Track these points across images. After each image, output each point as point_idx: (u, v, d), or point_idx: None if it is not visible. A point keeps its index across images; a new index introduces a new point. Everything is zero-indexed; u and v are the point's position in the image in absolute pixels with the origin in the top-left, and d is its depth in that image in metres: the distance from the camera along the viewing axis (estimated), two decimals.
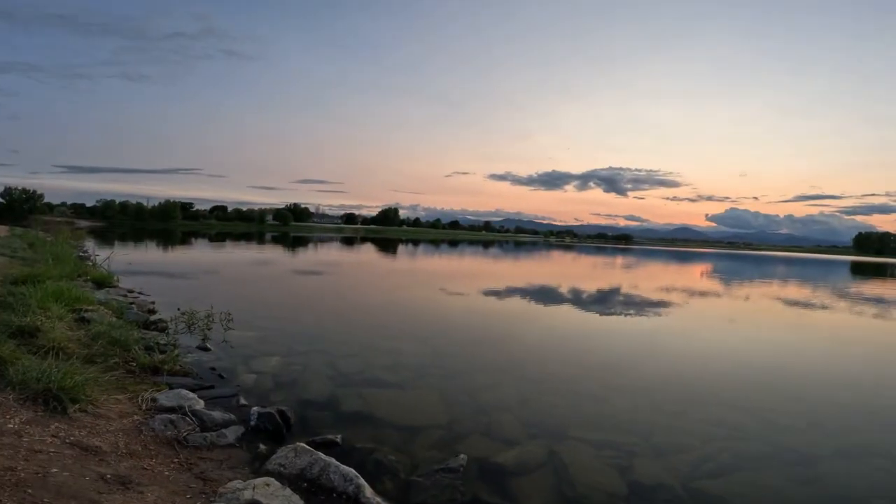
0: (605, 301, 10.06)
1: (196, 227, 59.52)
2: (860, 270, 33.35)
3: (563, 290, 11.87)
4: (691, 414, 3.66)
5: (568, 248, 59.18)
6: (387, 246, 33.25)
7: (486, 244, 51.91)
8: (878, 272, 31.86)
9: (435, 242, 46.24)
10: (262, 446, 2.55)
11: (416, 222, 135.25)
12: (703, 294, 12.64)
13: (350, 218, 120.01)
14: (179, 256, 16.83)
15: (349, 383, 3.94)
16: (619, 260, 32.18)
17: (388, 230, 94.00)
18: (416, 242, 43.33)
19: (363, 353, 4.84)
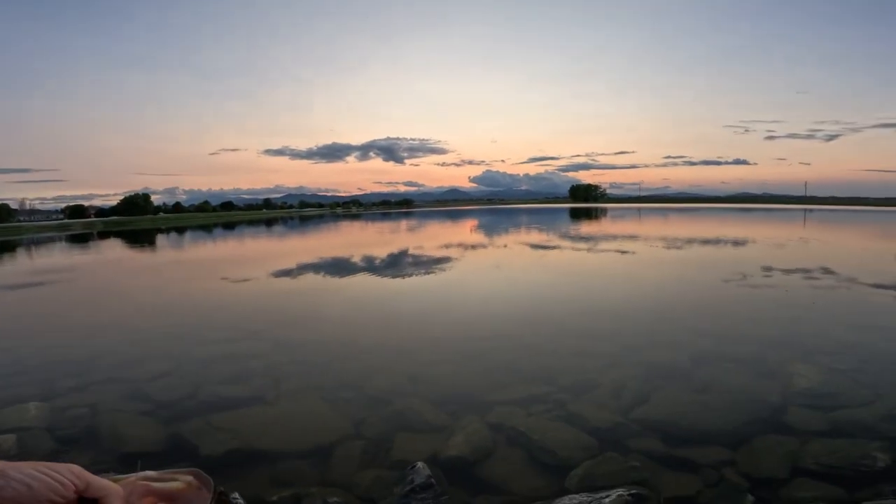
0: (396, 264, 10.61)
1: None
2: (576, 214, 44.20)
3: (357, 259, 12.03)
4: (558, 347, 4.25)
5: (355, 217, 59.97)
6: (139, 239, 27.29)
7: (269, 222, 48.10)
8: (587, 214, 43.62)
9: (206, 227, 40.24)
10: None
11: (176, 207, 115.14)
12: (474, 247, 14.66)
13: (77, 211, 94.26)
14: None
15: (183, 414, 2.94)
16: (404, 223, 34.35)
17: (138, 220, 77.06)
18: (180, 230, 36.82)
19: (180, 368, 3.79)
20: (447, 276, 8.49)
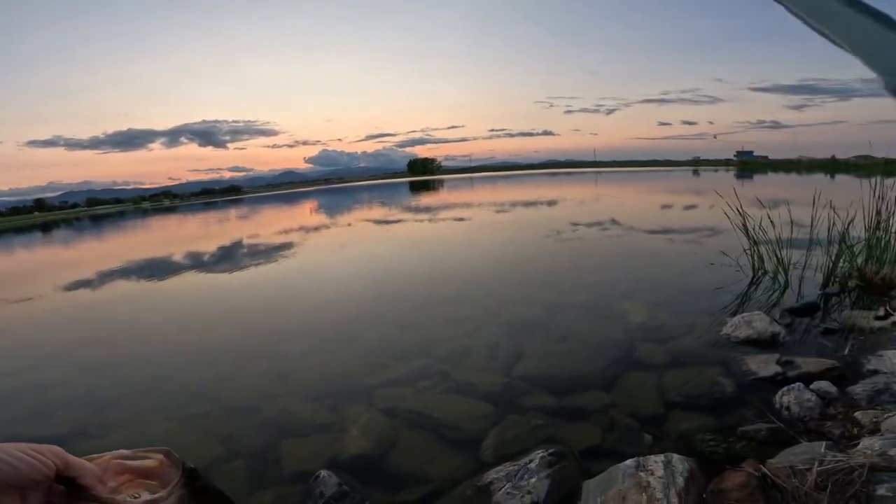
0: (229, 258, 9.61)
1: None
2: (415, 187, 45.65)
3: (179, 257, 10.48)
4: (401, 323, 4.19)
5: (170, 210, 51.54)
6: None
7: (46, 227, 38.34)
8: (425, 186, 45.55)
9: None
10: None
11: None
12: (316, 228, 14.09)
13: None
14: None
15: None
16: (234, 212, 30.95)
17: None
18: None
19: None
20: (292, 263, 8.04)
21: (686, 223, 9.43)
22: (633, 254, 6.85)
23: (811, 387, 2.42)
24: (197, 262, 9.24)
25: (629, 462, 1.82)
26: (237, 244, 11.85)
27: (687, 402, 2.51)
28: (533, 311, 4.30)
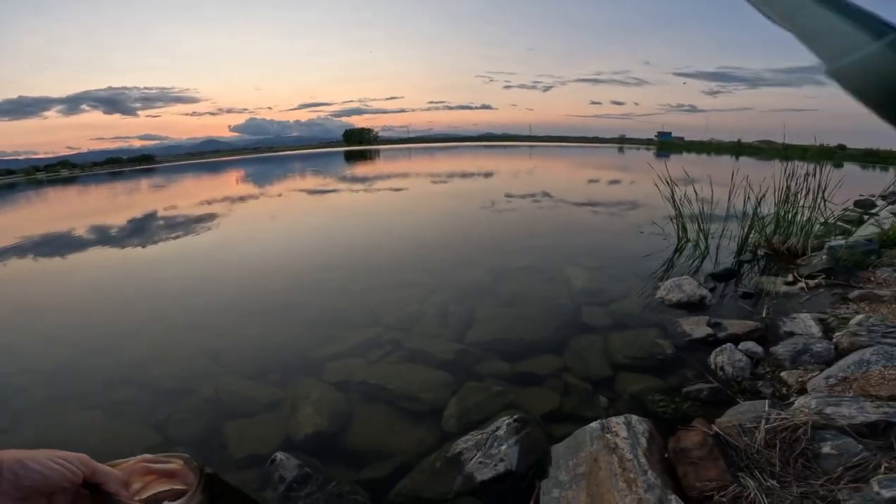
0: (144, 230, 8.77)
1: None
2: (351, 156, 44.12)
3: (82, 231, 9.40)
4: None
5: (69, 181, 45.85)
6: None
7: None
8: (362, 156, 44.44)
9: None
10: None
11: None
12: (243, 199, 13.22)
13: None
14: None
15: None
16: (145, 182, 28.18)
17: None
18: None
19: None
20: (217, 235, 7.49)
21: (611, 196, 10.02)
22: (568, 223, 7.15)
23: (740, 347, 2.62)
24: (105, 237, 8.33)
25: (594, 425, 1.85)
26: (150, 216, 10.82)
27: (633, 364, 2.61)
28: (478, 275, 4.35)
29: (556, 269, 4.46)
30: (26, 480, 0.48)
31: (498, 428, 2.00)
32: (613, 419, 1.88)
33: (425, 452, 1.98)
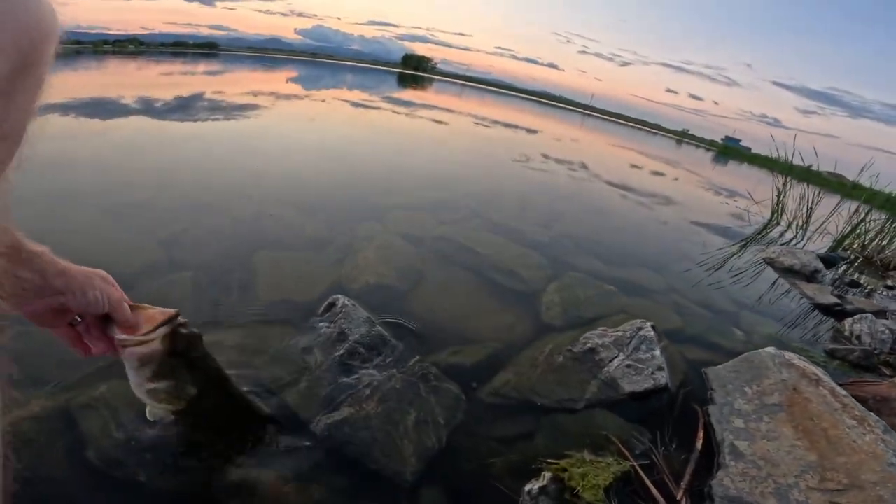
0: (187, 108, 9.04)
1: None
2: (403, 79, 43.18)
3: (129, 100, 9.76)
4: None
5: (134, 55, 46.45)
6: None
7: None
8: (414, 81, 43.65)
9: None
10: None
11: None
12: (287, 97, 13.28)
13: None
14: None
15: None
16: (202, 66, 28.35)
17: None
18: None
19: None
20: (254, 124, 7.68)
21: (672, 189, 9.62)
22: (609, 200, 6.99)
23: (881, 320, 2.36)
24: (148, 108, 8.65)
25: (770, 350, 1.56)
26: (197, 97, 11.08)
27: (755, 307, 2.32)
28: (545, 201, 4.03)
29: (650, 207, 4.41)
30: (84, 301, 0.63)
31: (640, 329, 1.60)
32: (786, 353, 1.57)
33: (521, 342, 1.61)
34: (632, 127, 60.42)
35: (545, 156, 9.97)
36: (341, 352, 1.27)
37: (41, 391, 1.29)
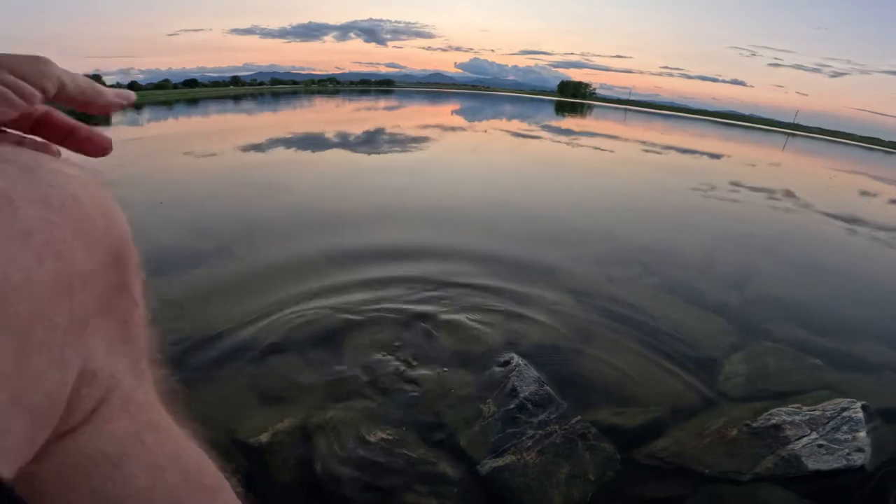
0: (373, 141, 10.26)
1: None
2: (561, 107, 42.81)
3: (331, 135, 11.51)
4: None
5: (332, 94, 55.90)
6: (86, 119, 24.72)
7: (237, 98, 44.36)
8: (572, 109, 42.80)
9: (167, 104, 36.70)
10: None
11: (131, 86, 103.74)
12: (453, 128, 14.21)
13: None
14: None
15: None
16: (383, 102, 32.45)
17: None
18: (137, 106, 33.52)
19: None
20: (425, 154, 8.33)
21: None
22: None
23: None
24: (345, 142, 10.07)
25: None
26: (380, 131, 12.56)
27: None
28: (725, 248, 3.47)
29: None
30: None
31: (846, 409, 1.46)
32: None
33: (689, 410, 1.52)
34: (857, 146, 49.59)
35: (735, 184, 8.58)
36: (511, 406, 1.38)
37: (288, 408, 1.54)
